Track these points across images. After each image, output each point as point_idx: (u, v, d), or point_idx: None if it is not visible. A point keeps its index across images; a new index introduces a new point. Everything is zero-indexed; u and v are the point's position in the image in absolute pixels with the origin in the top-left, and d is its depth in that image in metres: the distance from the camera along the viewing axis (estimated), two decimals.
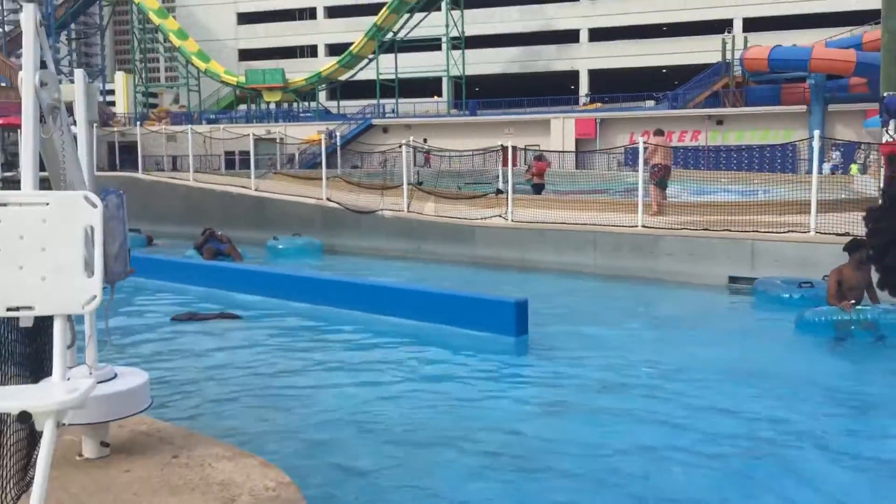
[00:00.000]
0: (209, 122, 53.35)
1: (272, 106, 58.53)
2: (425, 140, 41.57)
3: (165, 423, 4.73)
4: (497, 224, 15.37)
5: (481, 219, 15.67)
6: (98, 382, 4.15)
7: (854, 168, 30.66)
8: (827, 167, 34.68)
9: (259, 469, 3.98)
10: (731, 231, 12.67)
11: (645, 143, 15.54)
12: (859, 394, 7.34)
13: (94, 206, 3.08)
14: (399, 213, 17.03)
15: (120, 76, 72.71)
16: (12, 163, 27.34)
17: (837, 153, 35.99)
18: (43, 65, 3.25)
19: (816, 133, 12.75)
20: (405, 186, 17.19)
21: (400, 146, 18.09)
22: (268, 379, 7.66)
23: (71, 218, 3.07)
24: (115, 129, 40.76)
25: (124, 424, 4.33)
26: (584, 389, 7.37)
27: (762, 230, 12.47)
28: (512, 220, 15.20)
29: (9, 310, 3.04)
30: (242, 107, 61.13)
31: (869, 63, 39.04)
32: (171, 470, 3.98)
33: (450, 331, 9.30)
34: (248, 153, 45.12)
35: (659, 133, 18.66)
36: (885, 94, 12.58)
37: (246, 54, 66.01)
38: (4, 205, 3.06)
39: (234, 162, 38.99)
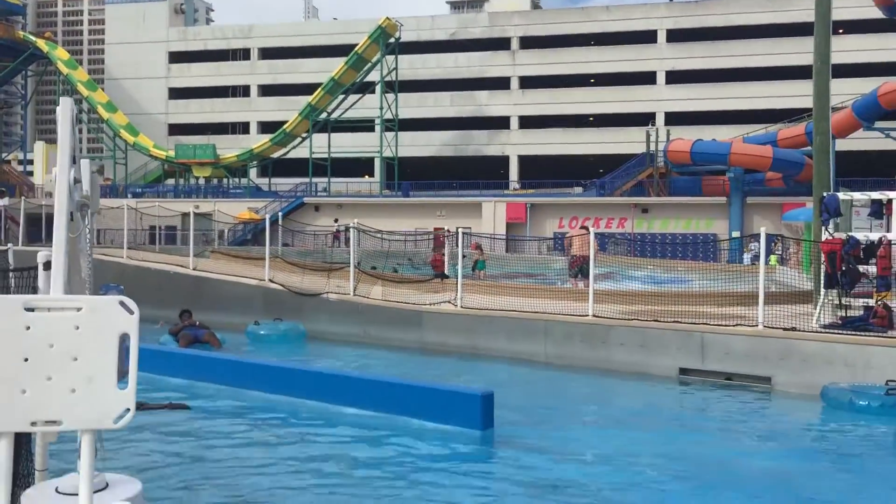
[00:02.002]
0: (135, 195, 52.30)
1: (201, 181, 57.83)
2: (336, 220, 41.60)
3: None
4: (446, 310, 15.29)
5: (430, 304, 15.58)
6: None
7: (773, 259, 31.85)
8: (747, 258, 36.09)
9: None
10: (681, 322, 12.89)
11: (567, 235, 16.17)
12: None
13: (132, 312, 2.90)
14: (345, 297, 16.79)
15: (40, 146, 71.02)
16: None
17: (756, 244, 37.51)
18: (73, 160, 3.08)
19: (763, 230, 13.20)
20: (352, 269, 17.00)
21: (347, 228, 17.94)
22: (224, 478, 7.28)
23: (105, 325, 2.87)
24: (37, 200, 39.45)
25: None
26: (554, 486, 7.26)
27: (711, 322, 12.73)
28: (461, 307, 15.16)
29: (33, 424, 2.80)
30: (170, 181, 60.22)
31: (785, 159, 41.22)
32: None
33: (412, 423, 9.07)
34: (173, 228, 44.37)
35: (583, 228, 19.52)
36: (824, 195, 13.20)
37: (176, 129, 65.43)
38: (31, 310, 2.84)
39: (158, 237, 38.12)
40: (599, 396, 11.66)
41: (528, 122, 59.89)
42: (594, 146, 57.75)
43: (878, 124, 40.05)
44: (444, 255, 22.35)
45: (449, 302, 15.46)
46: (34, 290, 3.84)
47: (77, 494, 3.70)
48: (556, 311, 14.19)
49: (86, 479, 2.82)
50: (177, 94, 66.58)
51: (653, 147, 48.11)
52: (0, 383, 2.76)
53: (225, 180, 58.67)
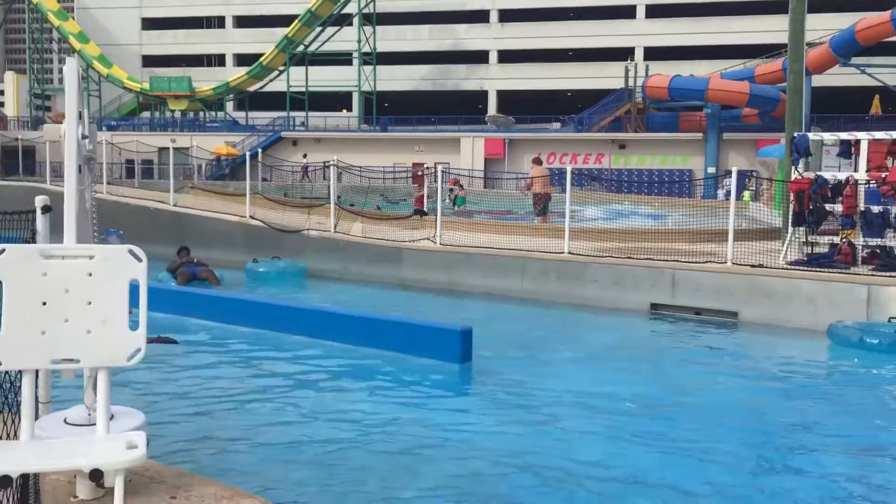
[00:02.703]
0: (110, 128, 51.64)
1: (177, 114, 57.12)
2: (305, 155, 41.56)
3: (151, 461, 4.69)
4: (425, 247, 15.58)
5: (409, 241, 15.86)
6: (94, 424, 4.15)
7: (746, 195, 32.39)
8: (721, 193, 36.58)
9: None
10: (653, 260, 13.29)
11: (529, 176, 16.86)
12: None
13: (140, 259, 3.15)
14: (325, 233, 17.02)
15: (10, 76, 69.39)
16: None
17: (729, 180, 37.98)
18: (80, 116, 3.28)
19: (735, 168, 13.52)
20: (332, 206, 17.19)
21: (327, 165, 18.08)
22: (213, 408, 7.61)
23: (116, 272, 3.13)
24: (10, 132, 38.95)
25: None
26: (529, 415, 7.66)
27: (682, 259, 13.14)
28: (440, 244, 15.45)
29: (53, 362, 3.08)
30: (145, 114, 59.41)
31: (761, 95, 41.39)
32: None
33: (394, 357, 9.45)
34: (150, 162, 43.99)
35: (537, 162, 19.54)
36: (794, 135, 13.50)
37: (150, 60, 64.19)
38: (48, 258, 3.09)
39: (135, 171, 37.97)
40: (574, 331, 12.10)
41: (507, 57, 59.39)
42: (573, 81, 57.50)
43: (855, 60, 40.24)
44: (422, 192, 22.58)
45: (428, 239, 15.75)
46: (33, 234, 4.07)
47: (84, 425, 4.02)
48: (532, 248, 14.54)
49: (103, 411, 3.10)
50: (150, 24, 65.11)
51: (631, 83, 48.05)
52: (21, 325, 3.02)
53: (201, 114, 57.99)
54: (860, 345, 10.26)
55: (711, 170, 43.55)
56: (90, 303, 3.08)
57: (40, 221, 3.67)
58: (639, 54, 55.69)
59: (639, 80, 47.06)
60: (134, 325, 3.16)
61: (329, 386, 8.60)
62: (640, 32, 57.08)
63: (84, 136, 3.21)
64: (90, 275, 3.09)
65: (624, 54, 53.98)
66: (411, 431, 7.08)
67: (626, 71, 48.57)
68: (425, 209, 18.88)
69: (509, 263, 14.37)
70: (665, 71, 46.61)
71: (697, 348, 11.11)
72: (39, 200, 3.69)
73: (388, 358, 9.43)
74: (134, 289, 3.20)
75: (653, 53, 55.34)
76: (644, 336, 12.02)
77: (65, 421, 4.02)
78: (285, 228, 17.54)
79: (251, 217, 18.33)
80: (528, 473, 6.05)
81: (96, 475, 2.68)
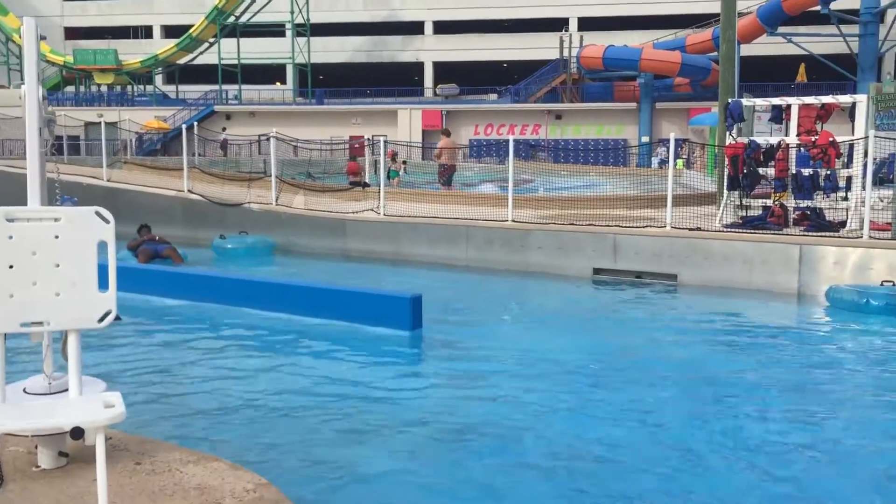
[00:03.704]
0: None
1: (103, 89, 55.41)
2: (224, 129, 41.17)
3: (112, 430, 4.63)
4: (369, 218, 15.57)
5: (353, 212, 15.82)
6: (56, 392, 4.11)
7: (679, 163, 33.09)
8: (655, 161, 37.32)
9: (230, 472, 3.99)
10: (595, 225, 13.55)
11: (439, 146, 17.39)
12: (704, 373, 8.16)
13: (108, 221, 3.13)
14: (267, 206, 16.84)
15: None
16: None
17: (664, 149, 38.85)
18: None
19: (673, 135, 13.81)
20: (273, 179, 17.00)
21: (267, 138, 17.85)
22: (168, 382, 7.54)
23: (84, 234, 3.10)
24: None
25: None
26: (480, 379, 7.79)
27: (623, 224, 13.43)
28: (384, 214, 15.46)
29: (22, 325, 3.04)
30: (70, 88, 57.45)
31: (692, 64, 42.22)
32: (141, 477, 3.91)
33: (345, 326, 9.48)
34: (76, 138, 42.73)
35: (446, 134, 20.10)
36: (729, 101, 13.85)
37: (73, 33, 61.94)
38: (11, 220, 3.04)
39: (63, 147, 36.87)
40: (520, 297, 12.29)
41: (442, 28, 59.13)
42: (509, 52, 57.65)
43: (781, 29, 41.30)
44: (361, 162, 22.50)
45: (372, 210, 15.74)
46: None
47: (45, 394, 3.98)
48: (476, 216, 14.68)
49: (74, 373, 3.09)
50: None
51: (566, 53, 48.42)
52: None
53: (129, 88, 56.37)
54: (866, 308, 10.28)
55: (645, 139, 44.38)
56: (58, 265, 3.06)
57: None
58: (573, 25, 56.05)
59: (574, 51, 47.45)
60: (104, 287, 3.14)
61: (280, 356, 8.58)
62: (575, 3, 57.41)
63: (44, 97, 3.16)
64: (57, 237, 3.06)
65: (559, 24, 54.25)
66: (363, 398, 7.12)
67: (561, 41, 48.93)
68: (367, 181, 18.85)
69: (454, 232, 14.48)
70: (599, 41, 47.09)
71: (640, 310, 11.40)
72: None
73: (338, 328, 9.44)
74: (102, 269, 3.17)
75: (587, 24, 55.76)
76: (588, 300, 12.27)
77: (24, 391, 3.97)
78: (225, 202, 17.28)
79: (189, 191, 18.01)
80: (480, 436, 6.13)
81: (77, 433, 2.68)
